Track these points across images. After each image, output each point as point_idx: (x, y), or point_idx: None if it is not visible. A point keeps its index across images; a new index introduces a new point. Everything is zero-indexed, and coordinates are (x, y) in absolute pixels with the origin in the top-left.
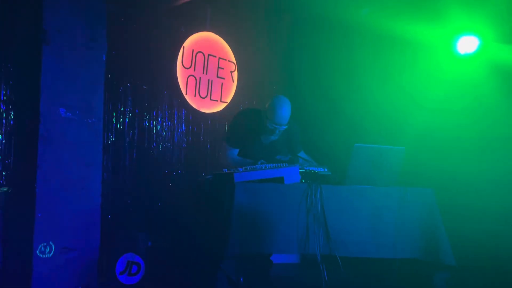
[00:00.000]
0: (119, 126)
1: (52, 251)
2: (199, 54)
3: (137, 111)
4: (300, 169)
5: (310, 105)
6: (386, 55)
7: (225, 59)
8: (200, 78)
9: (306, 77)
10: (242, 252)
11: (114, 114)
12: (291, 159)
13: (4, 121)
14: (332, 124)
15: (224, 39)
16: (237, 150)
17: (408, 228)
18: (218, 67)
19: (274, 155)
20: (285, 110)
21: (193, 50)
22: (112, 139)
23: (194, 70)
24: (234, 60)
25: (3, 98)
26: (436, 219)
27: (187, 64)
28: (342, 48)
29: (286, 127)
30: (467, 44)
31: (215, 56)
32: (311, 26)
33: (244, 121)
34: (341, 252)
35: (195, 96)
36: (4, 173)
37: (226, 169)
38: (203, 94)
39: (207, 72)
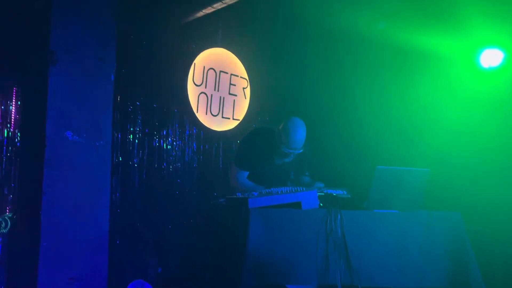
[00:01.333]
0: (129, 146)
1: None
2: (211, 71)
3: (147, 130)
4: (319, 192)
5: (326, 123)
6: (404, 70)
7: (237, 76)
8: (211, 95)
9: (322, 94)
10: (258, 283)
11: (123, 134)
12: (306, 182)
13: (11, 143)
14: (349, 143)
15: (236, 55)
16: (247, 173)
17: (435, 255)
18: (230, 84)
19: (286, 175)
20: (300, 134)
21: (204, 66)
22: (121, 159)
23: (206, 87)
24: (246, 77)
25: (11, 120)
26: (465, 245)
27: (198, 81)
28: (359, 64)
29: (302, 150)
30: (491, 57)
31: (227, 73)
32: (327, 42)
33: (256, 142)
34: (364, 282)
35: (206, 114)
36: (10, 197)
37: (239, 193)
38: (214, 111)
39: (219, 89)
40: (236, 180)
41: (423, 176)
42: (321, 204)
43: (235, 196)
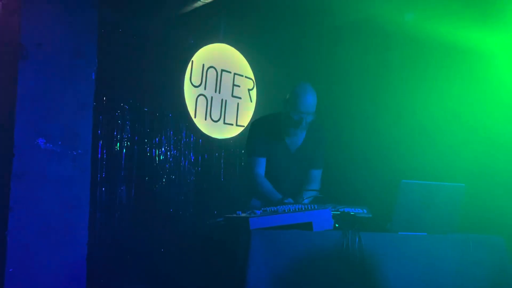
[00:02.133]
0: (115, 156)
1: None
2: (211, 70)
3: (136, 138)
4: (333, 210)
5: (343, 130)
6: (433, 68)
7: (242, 75)
8: (211, 97)
9: (339, 97)
10: None
11: (108, 141)
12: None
13: None
14: (369, 154)
15: (241, 52)
16: (264, 161)
17: (473, 285)
18: (233, 85)
19: (303, 165)
20: (311, 95)
21: (203, 64)
22: (105, 171)
23: (205, 88)
24: (252, 76)
25: None
26: (508, 275)
27: (196, 82)
28: (382, 62)
29: (313, 117)
30: None
31: (230, 72)
32: (346, 36)
33: (265, 126)
34: None
35: (205, 119)
36: None
37: (240, 212)
38: (215, 116)
39: (220, 90)
40: (256, 175)
41: (458, 192)
42: (337, 225)
43: (235, 215)
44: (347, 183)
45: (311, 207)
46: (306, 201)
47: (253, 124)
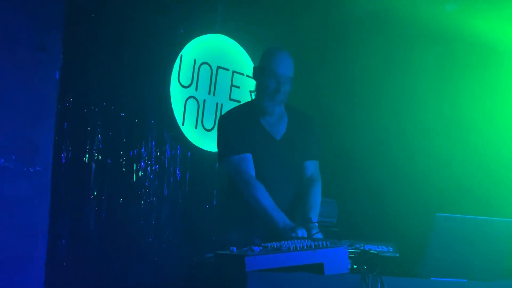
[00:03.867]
0: (82, 173)
1: None
2: (204, 66)
3: (109, 149)
4: (351, 248)
5: (360, 145)
6: (473, 73)
7: (242, 74)
8: (204, 101)
9: (354, 100)
10: None
11: (73, 154)
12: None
13: None
14: (395, 178)
15: (242, 45)
16: (250, 157)
17: None
18: (232, 85)
19: (294, 154)
20: (287, 57)
21: (195, 60)
22: (69, 191)
23: (196, 89)
24: None
25: None
26: None
27: (186, 81)
28: (400, 61)
29: (291, 88)
30: None
31: (228, 69)
32: (368, 28)
33: (237, 116)
34: None
35: (196, 127)
36: None
37: (234, 248)
38: (208, 124)
39: (215, 92)
40: (246, 178)
41: (507, 229)
42: (354, 267)
43: (227, 252)
44: (368, 214)
45: (322, 244)
46: (314, 230)
47: (222, 118)
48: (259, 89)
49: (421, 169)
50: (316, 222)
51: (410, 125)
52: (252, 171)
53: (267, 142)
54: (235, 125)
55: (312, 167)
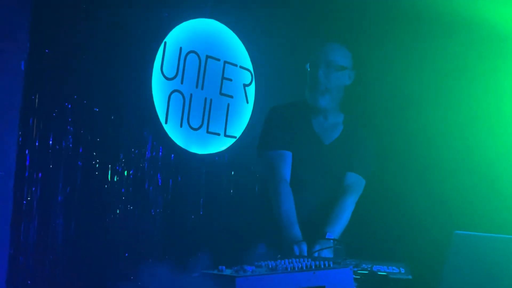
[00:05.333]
0: (49, 177)
1: None
2: (192, 56)
3: (81, 150)
4: (357, 269)
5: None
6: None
7: (235, 65)
8: (191, 95)
9: (369, 101)
10: None
11: (41, 156)
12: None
13: None
14: (409, 192)
15: (235, 32)
16: (289, 155)
17: None
18: (223, 78)
19: (339, 164)
20: (337, 45)
21: (181, 48)
22: (36, 198)
23: (182, 82)
24: (250, 67)
25: None
26: None
27: (170, 72)
28: (432, 60)
29: (342, 77)
30: None
31: (219, 59)
32: (386, 13)
33: (289, 111)
34: None
35: (181, 126)
36: None
37: (223, 267)
38: (195, 122)
39: (204, 85)
40: (279, 179)
41: None
42: None
43: (216, 272)
44: (377, 231)
45: (324, 265)
46: (317, 247)
47: (272, 109)
48: (310, 85)
49: (438, 181)
50: (331, 239)
51: (426, 136)
52: (285, 170)
53: (312, 144)
54: (282, 119)
55: (352, 178)
